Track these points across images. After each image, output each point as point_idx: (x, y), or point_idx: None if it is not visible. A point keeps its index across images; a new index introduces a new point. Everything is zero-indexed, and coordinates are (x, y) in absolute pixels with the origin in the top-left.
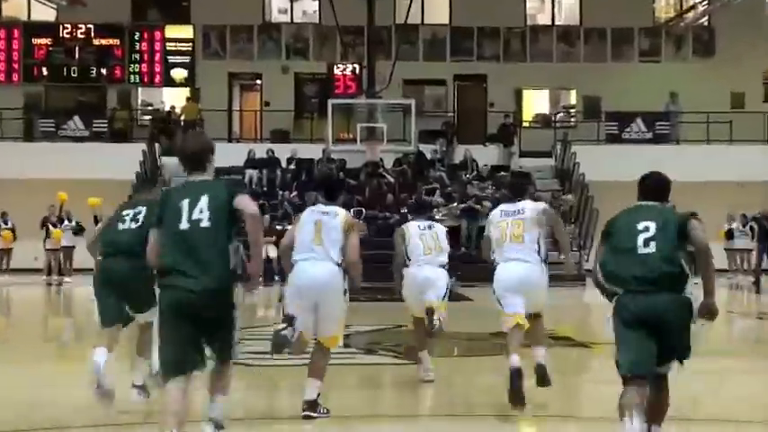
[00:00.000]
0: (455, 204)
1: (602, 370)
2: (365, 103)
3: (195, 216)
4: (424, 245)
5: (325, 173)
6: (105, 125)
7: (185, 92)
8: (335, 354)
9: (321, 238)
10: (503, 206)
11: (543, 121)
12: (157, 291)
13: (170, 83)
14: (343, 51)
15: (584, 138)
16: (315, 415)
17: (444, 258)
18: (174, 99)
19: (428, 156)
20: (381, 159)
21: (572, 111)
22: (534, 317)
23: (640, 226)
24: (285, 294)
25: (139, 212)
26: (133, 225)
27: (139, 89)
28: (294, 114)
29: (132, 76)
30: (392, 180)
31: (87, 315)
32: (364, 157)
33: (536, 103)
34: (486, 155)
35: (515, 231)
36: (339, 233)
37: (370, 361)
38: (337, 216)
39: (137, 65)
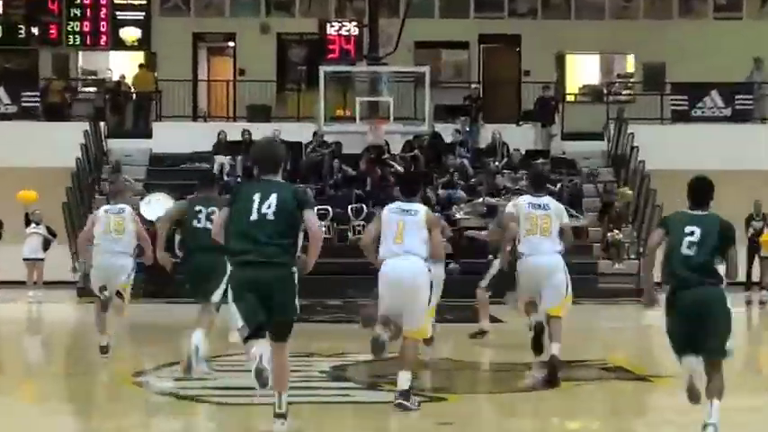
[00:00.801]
0: (480, 200)
1: (664, 409)
2: (366, 71)
3: (264, 210)
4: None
5: (409, 172)
6: (37, 99)
7: (138, 57)
8: (329, 390)
9: (403, 238)
10: (529, 198)
11: (592, 95)
12: (229, 269)
13: (119, 45)
14: (338, 6)
15: (644, 115)
16: (407, 404)
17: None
18: (123, 66)
19: (446, 138)
20: (387, 143)
21: (629, 81)
22: (554, 318)
23: (687, 229)
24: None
25: (213, 213)
26: (209, 225)
27: (80, 53)
28: (276, 86)
29: (71, 37)
30: (401, 169)
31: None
32: (365, 141)
33: (583, 71)
34: (520, 137)
35: (544, 225)
36: (422, 230)
37: (370, 398)
38: (418, 213)
39: (76, 23)
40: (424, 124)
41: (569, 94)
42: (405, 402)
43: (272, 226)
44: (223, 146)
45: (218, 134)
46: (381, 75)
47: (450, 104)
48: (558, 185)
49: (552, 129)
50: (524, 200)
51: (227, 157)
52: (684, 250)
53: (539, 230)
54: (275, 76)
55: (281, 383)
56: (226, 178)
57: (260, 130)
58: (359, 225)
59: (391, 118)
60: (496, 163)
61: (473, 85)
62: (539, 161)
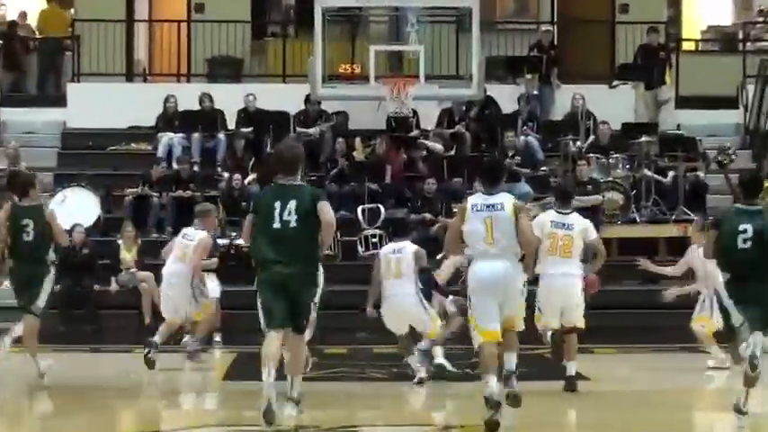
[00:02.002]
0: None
1: None
2: (384, 6)
3: (285, 217)
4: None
5: (491, 160)
6: None
7: None
8: None
9: (494, 237)
10: (552, 216)
11: (722, 41)
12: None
13: None
14: None
15: None
16: (516, 384)
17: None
18: (23, 0)
19: (504, 107)
20: (415, 113)
21: None
22: (570, 330)
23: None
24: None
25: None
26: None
27: None
28: (251, 30)
29: None
30: (439, 149)
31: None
32: (384, 109)
33: (708, 6)
34: (614, 104)
35: (566, 244)
36: (511, 224)
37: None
38: (505, 206)
39: None
40: (471, 85)
41: (687, 40)
42: (512, 382)
43: (296, 233)
44: (172, 117)
45: (165, 101)
46: (407, 12)
47: (511, 56)
48: (670, 176)
49: (662, 92)
50: (545, 217)
51: (178, 135)
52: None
53: (558, 251)
54: (249, 15)
55: (295, 369)
56: (176, 166)
57: (226, 95)
58: (374, 235)
59: (422, 76)
60: (578, 143)
61: (544, 27)
62: (640, 140)
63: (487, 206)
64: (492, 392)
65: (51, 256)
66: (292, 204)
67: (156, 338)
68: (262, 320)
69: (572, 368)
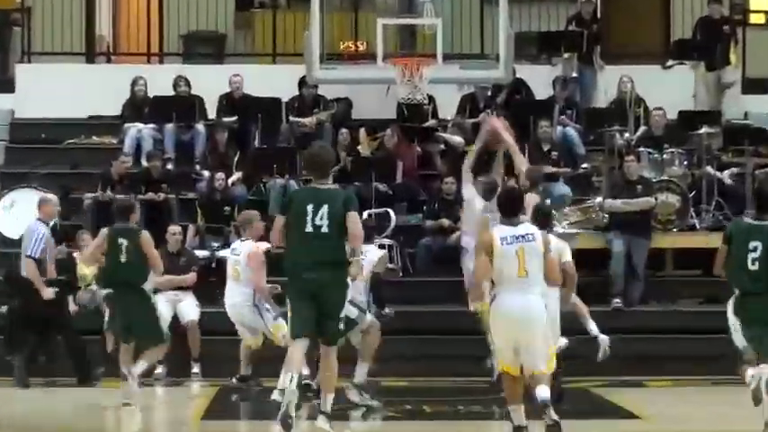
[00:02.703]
0: (597, 201)
1: None
2: None
3: (317, 222)
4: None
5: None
6: None
7: None
8: None
9: (526, 269)
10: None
11: None
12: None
13: None
14: None
15: None
16: (553, 414)
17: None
18: None
19: (537, 91)
20: (432, 99)
21: None
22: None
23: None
24: None
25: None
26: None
27: None
28: (235, 1)
29: None
30: (459, 142)
31: None
32: (394, 94)
33: None
34: (668, 88)
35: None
36: (540, 257)
37: None
38: (535, 237)
39: None
40: (498, 66)
41: (756, 11)
42: (550, 410)
43: (327, 239)
44: (140, 105)
45: (133, 84)
46: None
47: (545, 32)
48: (730, 174)
49: (726, 74)
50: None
51: (149, 126)
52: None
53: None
54: None
55: (329, 386)
56: (145, 163)
57: (206, 78)
58: (382, 245)
59: (439, 55)
60: (626, 135)
61: None
62: (701, 131)
63: (517, 237)
64: (520, 423)
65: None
66: (325, 209)
67: (242, 371)
68: (288, 329)
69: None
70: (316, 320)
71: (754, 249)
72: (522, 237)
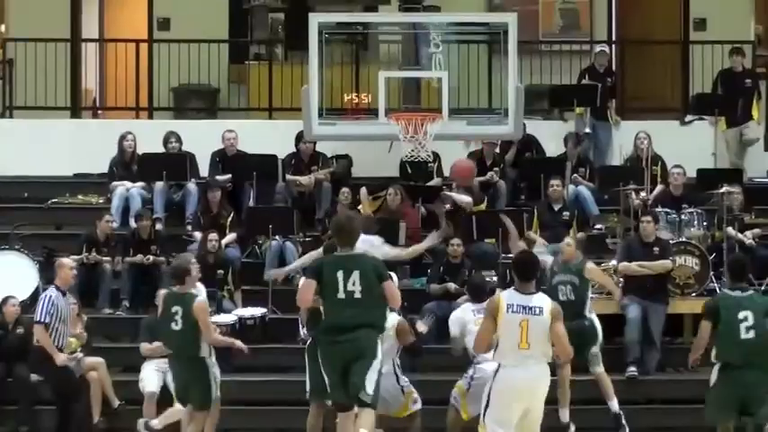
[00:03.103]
0: (612, 264)
1: None
2: (399, 23)
3: (349, 288)
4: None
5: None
6: None
7: None
8: None
9: (529, 342)
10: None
11: None
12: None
13: None
14: None
15: None
16: None
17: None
18: None
19: (548, 147)
20: (436, 156)
21: None
22: None
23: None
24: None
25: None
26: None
27: None
28: (229, 52)
29: None
30: (467, 202)
31: None
32: (400, 151)
33: None
34: (687, 144)
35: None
36: (547, 330)
37: None
38: (543, 311)
39: None
40: (508, 122)
41: None
42: None
43: (360, 304)
44: (129, 162)
45: (121, 140)
46: (427, 29)
47: (557, 85)
48: (753, 235)
49: (748, 129)
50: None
51: (137, 184)
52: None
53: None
54: (226, 33)
55: None
56: (133, 224)
57: (197, 133)
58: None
59: (445, 110)
60: (642, 194)
61: (598, 48)
62: (721, 190)
63: (524, 308)
64: None
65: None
66: (356, 275)
67: None
68: (308, 387)
69: None
70: (340, 386)
71: (745, 319)
72: (530, 309)
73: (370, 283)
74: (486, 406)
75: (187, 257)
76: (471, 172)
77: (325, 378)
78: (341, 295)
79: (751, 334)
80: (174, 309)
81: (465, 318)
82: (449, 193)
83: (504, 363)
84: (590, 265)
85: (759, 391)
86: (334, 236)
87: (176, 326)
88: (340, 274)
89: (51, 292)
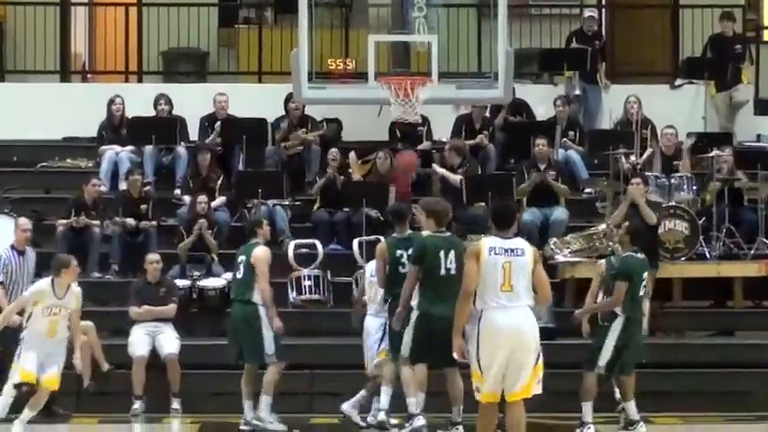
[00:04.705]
0: (602, 227)
1: None
2: None
3: (448, 266)
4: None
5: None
6: None
7: None
8: None
9: (511, 284)
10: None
11: None
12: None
13: None
14: None
15: None
16: None
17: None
18: None
19: (537, 111)
20: (425, 119)
21: None
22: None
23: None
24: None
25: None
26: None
27: None
28: (219, 15)
29: None
30: (455, 180)
31: None
32: (388, 115)
33: None
34: (677, 107)
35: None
36: (528, 273)
37: None
38: (524, 252)
39: None
40: (497, 86)
41: None
42: None
43: (456, 280)
44: (118, 126)
45: (109, 103)
46: None
47: (547, 49)
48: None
49: (738, 92)
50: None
51: (127, 148)
52: None
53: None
54: None
55: (459, 399)
56: (123, 186)
57: (187, 97)
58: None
59: (434, 74)
60: (632, 158)
61: (588, 13)
62: (711, 154)
63: (506, 250)
64: None
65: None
66: (452, 255)
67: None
68: (408, 351)
69: None
70: (437, 351)
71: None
72: (512, 251)
73: (462, 261)
74: (477, 353)
75: (261, 215)
76: (415, 164)
77: (422, 344)
78: (442, 272)
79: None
80: (240, 258)
81: None
82: (439, 170)
83: (487, 306)
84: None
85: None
86: (433, 217)
87: (239, 273)
88: (441, 254)
89: (4, 252)
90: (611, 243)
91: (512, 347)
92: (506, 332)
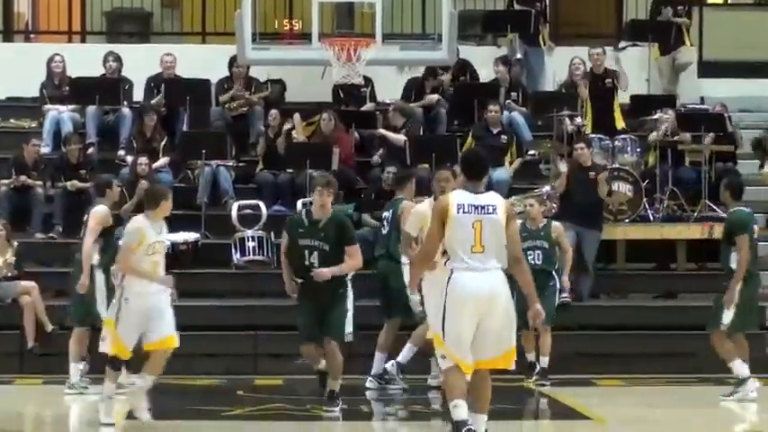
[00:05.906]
0: (545, 190)
1: None
2: None
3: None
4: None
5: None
6: None
7: None
8: None
9: (483, 245)
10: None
11: None
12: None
13: None
14: None
15: None
16: None
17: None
18: None
19: (482, 73)
20: (371, 82)
21: None
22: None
23: None
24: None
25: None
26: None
27: None
28: None
29: None
30: (400, 140)
31: None
32: (331, 77)
33: None
34: (622, 70)
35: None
36: (502, 230)
37: None
38: (496, 209)
39: None
40: (442, 47)
41: None
42: None
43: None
44: (59, 85)
45: (48, 62)
46: None
47: (490, 11)
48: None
49: (680, 54)
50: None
51: (68, 107)
52: None
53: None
54: None
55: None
56: (64, 148)
57: (131, 58)
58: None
59: (378, 35)
60: (576, 120)
61: None
62: (654, 116)
63: (476, 207)
64: (463, 418)
65: None
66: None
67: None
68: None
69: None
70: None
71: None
72: (482, 208)
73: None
74: (443, 319)
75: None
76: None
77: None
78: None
79: None
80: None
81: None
82: (383, 132)
83: (456, 267)
84: (556, 223)
85: None
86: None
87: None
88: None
89: None
90: (554, 205)
91: (481, 314)
92: (477, 296)
